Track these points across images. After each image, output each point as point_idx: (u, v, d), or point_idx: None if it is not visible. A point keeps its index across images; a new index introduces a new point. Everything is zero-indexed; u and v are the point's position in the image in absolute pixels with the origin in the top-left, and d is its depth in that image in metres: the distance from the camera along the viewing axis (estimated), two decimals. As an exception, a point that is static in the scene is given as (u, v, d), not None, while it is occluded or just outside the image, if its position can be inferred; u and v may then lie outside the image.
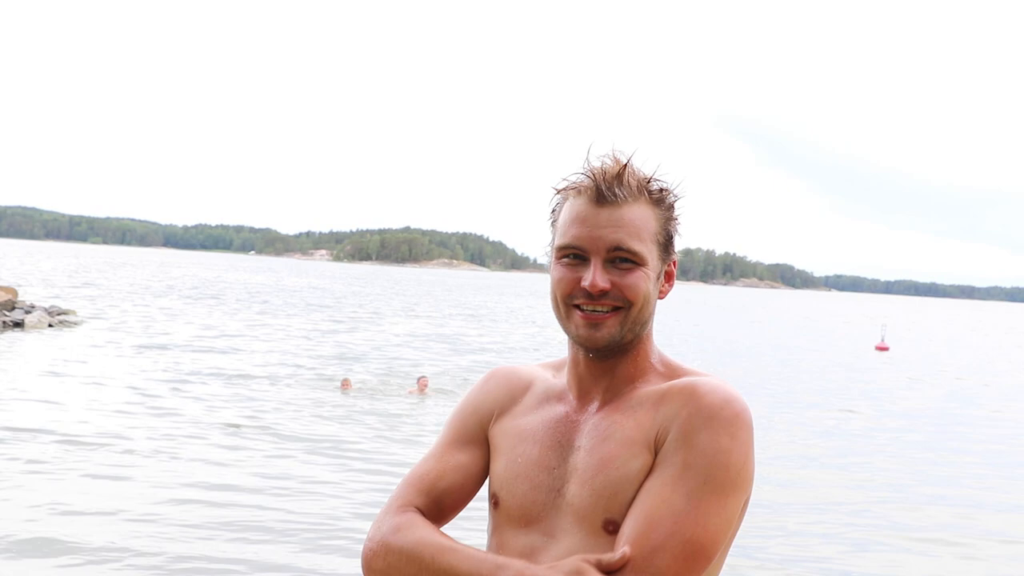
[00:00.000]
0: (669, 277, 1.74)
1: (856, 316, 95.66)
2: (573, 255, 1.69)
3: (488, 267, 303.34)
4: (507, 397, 1.81)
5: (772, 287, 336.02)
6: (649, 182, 1.70)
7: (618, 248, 1.67)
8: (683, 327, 48.72)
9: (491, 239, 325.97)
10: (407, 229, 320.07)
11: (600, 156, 1.72)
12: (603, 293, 1.68)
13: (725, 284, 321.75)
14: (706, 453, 1.58)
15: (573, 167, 1.75)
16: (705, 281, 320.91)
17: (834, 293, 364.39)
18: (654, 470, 1.61)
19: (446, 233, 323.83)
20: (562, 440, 1.71)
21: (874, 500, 12.10)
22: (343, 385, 18.46)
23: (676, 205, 1.72)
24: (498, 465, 1.77)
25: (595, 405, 1.71)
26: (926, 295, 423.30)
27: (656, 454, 1.63)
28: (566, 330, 1.73)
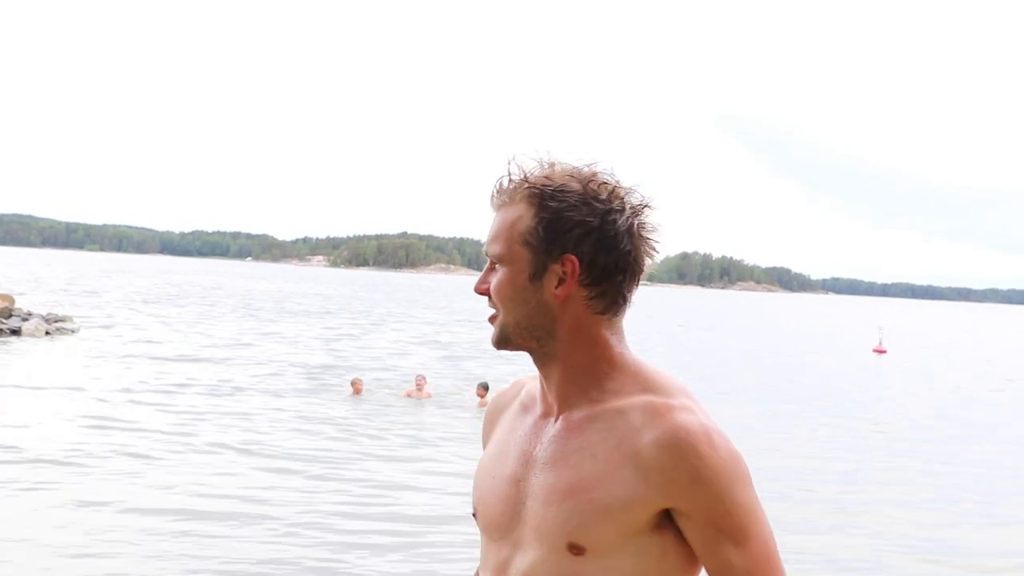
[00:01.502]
0: (566, 279, 1.61)
1: (853, 319, 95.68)
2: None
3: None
4: (496, 408, 1.83)
5: (769, 290, 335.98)
6: (528, 182, 1.63)
7: (487, 253, 1.69)
8: (682, 331, 48.66)
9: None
10: (404, 234, 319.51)
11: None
12: (484, 295, 1.70)
13: (722, 288, 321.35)
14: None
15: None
16: (702, 285, 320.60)
17: (831, 296, 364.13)
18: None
19: (443, 238, 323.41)
20: (525, 451, 1.68)
21: (874, 504, 12.09)
22: (354, 387, 18.22)
23: (562, 203, 1.60)
24: (477, 476, 1.77)
25: (553, 416, 1.68)
26: (923, 297, 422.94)
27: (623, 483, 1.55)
28: None
